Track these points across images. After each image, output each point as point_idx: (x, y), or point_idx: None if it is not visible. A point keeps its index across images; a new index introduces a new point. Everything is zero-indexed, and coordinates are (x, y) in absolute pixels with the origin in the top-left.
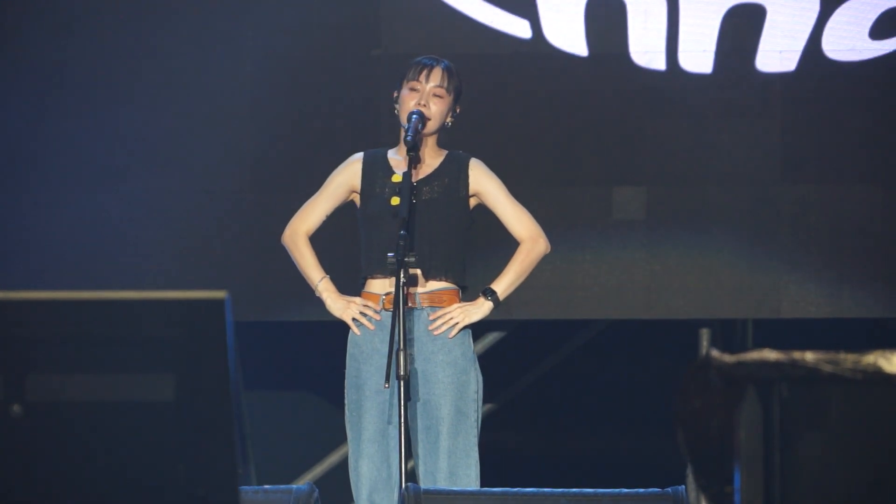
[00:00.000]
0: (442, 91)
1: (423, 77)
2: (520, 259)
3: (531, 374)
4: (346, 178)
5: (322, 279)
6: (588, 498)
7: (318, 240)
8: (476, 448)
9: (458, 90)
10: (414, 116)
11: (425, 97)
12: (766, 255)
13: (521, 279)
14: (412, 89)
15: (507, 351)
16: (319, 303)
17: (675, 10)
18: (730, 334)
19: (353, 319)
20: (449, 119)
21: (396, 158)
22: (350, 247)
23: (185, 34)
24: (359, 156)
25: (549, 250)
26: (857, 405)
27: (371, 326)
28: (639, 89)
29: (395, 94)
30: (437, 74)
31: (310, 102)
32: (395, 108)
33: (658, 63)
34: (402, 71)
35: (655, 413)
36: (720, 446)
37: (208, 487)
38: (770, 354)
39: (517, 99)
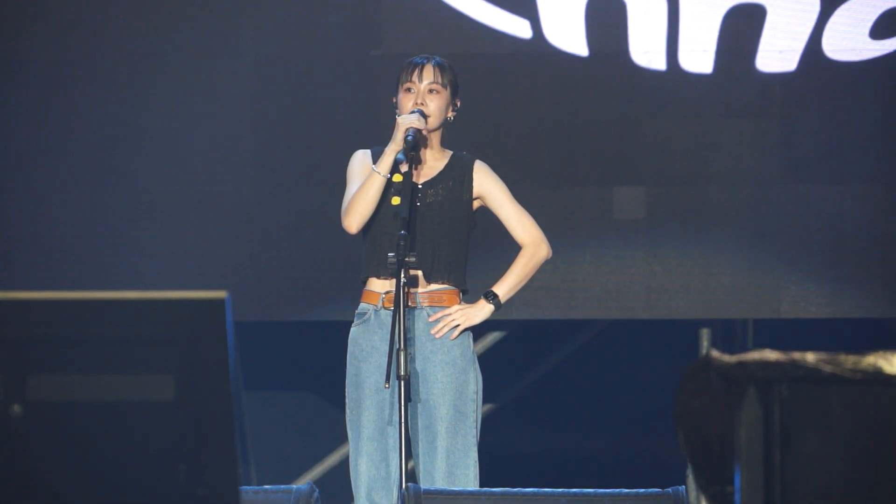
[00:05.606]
0: (437, 86)
1: (415, 76)
2: (522, 263)
3: (531, 374)
4: (367, 165)
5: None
6: (588, 498)
7: (319, 239)
8: (475, 448)
9: (454, 84)
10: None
11: (421, 95)
12: (766, 255)
13: (523, 283)
14: (408, 90)
15: (507, 351)
16: (319, 303)
17: (675, 10)
18: (730, 334)
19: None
20: (450, 114)
21: (400, 158)
22: (350, 247)
23: (185, 34)
24: (365, 151)
25: (550, 256)
26: (857, 405)
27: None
28: (639, 89)
29: (394, 100)
30: (429, 71)
31: (310, 102)
32: (396, 114)
33: (658, 63)
34: (396, 74)
35: (655, 413)
36: (720, 446)
37: (208, 487)
38: (770, 355)
39: (517, 99)
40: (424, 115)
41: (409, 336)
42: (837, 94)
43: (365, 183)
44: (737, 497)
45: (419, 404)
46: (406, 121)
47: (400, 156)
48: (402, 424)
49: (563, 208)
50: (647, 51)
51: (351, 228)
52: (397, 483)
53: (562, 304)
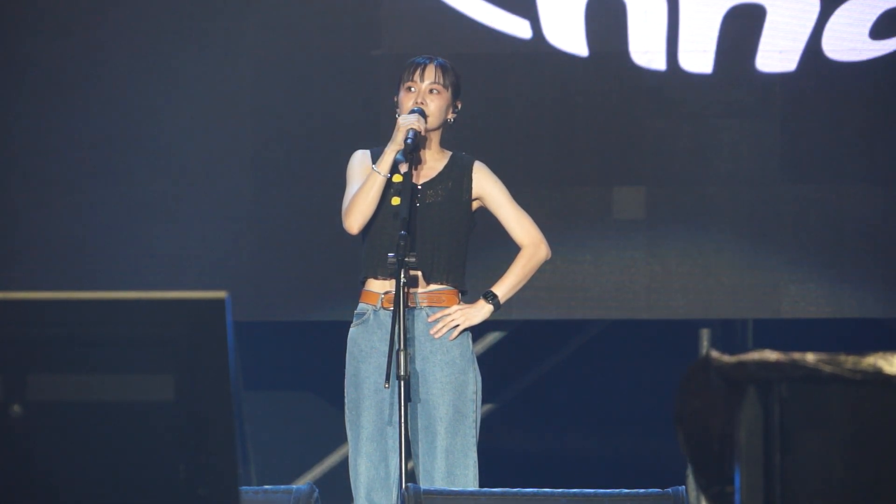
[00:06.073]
0: (438, 87)
1: (417, 76)
2: (521, 264)
3: (531, 374)
4: (367, 166)
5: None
6: (588, 498)
7: (319, 239)
8: (474, 448)
9: (455, 85)
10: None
11: (422, 95)
12: (766, 255)
13: (522, 284)
14: (409, 89)
15: (507, 351)
16: (319, 303)
17: (675, 10)
18: (730, 334)
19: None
20: (450, 115)
21: (399, 158)
22: (350, 247)
23: (185, 34)
24: (365, 151)
25: (549, 256)
26: (857, 406)
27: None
28: (639, 89)
29: (395, 99)
30: (431, 71)
31: (310, 102)
32: (396, 113)
33: (658, 63)
34: (399, 74)
35: (655, 413)
36: (720, 446)
37: (208, 487)
38: (770, 355)
39: (517, 99)
40: (424, 115)
41: (408, 336)
42: (837, 94)
43: (365, 183)
44: (737, 497)
45: (418, 404)
46: (406, 122)
47: (399, 156)
48: (402, 424)
49: (563, 208)
50: (647, 51)
51: (352, 229)
52: (397, 483)
53: (562, 304)
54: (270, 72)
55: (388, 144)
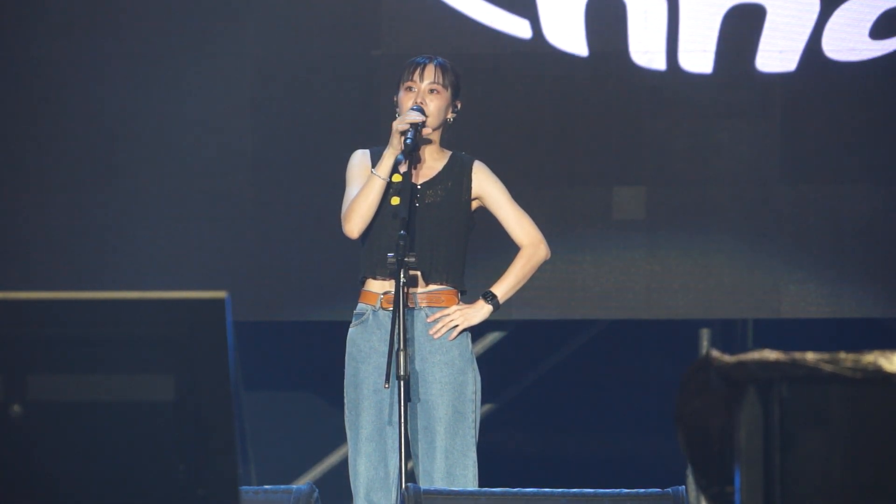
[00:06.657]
0: (438, 87)
1: (416, 76)
2: (520, 264)
3: (531, 374)
4: (366, 167)
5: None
6: (588, 498)
7: (319, 239)
8: (474, 449)
9: (455, 85)
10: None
11: (422, 95)
12: (766, 255)
13: (521, 284)
14: (408, 89)
15: (507, 351)
16: (319, 303)
17: (675, 10)
18: (730, 334)
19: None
20: (450, 115)
21: (399, 158)
22: (350, 247)
23: (184, 34)
24: (364, 151)
25: (549, 257)
26: (857, 405)
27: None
28: (639, 89)
29: (395, 99)
30: (430, 71)
31: (310, 102)
32: (396, 113)
33: (658, 63)
34: (398, 74)
35: (655, 413)
36: (720, 446)
37: (208, 487)
38: (770, 354)
39: (517, 99)
40: (423, 114)
41: (407, 336)
42: (837, 94)
43: (365, 187)
44: (737, 497)
45: (418, 404)
46: (400, 126)
47: (400, 156)
48: (402, 425)
49: (562, 208)
50: (647, 51)
51: (352, 233)
52: (396, 483)
53: (562, 304)
54: (270, 72)
55: (387, 148)
